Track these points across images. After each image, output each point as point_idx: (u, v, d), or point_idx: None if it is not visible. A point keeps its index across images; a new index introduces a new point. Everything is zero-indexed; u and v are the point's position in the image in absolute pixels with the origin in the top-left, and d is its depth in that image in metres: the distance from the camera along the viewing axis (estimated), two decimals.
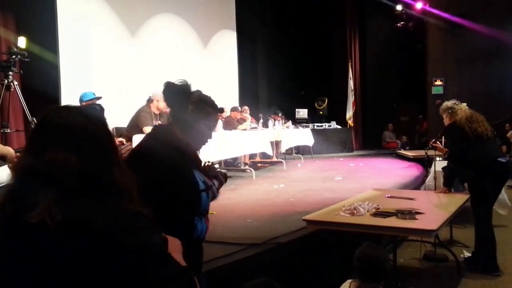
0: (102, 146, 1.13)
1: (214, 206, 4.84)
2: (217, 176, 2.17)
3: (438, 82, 11.99)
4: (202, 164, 2.12)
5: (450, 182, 4.28)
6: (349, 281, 2.45)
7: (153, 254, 1.08)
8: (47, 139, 1.09)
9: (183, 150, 1.95)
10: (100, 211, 1.05)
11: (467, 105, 4.36)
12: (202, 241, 1.99)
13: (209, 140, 2.09)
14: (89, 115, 1.15)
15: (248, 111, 9.47)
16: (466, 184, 4.49)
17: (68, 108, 1.15)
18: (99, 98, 5.68)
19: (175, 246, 1.21)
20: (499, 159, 4.08)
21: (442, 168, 4.69)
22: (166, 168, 1.84)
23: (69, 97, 6.38)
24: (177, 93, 2.03)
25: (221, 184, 2.18)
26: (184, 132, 2.00)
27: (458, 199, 3.78)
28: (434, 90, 12.05)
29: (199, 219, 1.94)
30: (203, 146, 2.09)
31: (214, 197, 2.09)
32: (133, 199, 1.13)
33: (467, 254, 4.36)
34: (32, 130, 1.14)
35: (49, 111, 1.13)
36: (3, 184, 3.15)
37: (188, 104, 2.01)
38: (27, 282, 1.03)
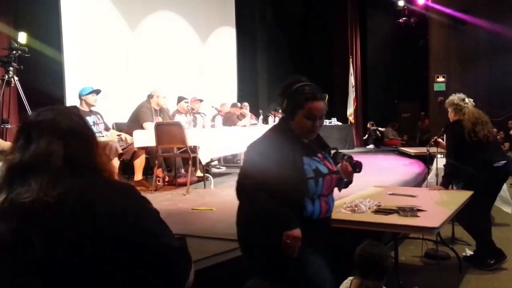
0: (82, 137, 1.27)
1: (214, 203, 4.87)
2: (349, 164, 2.31)
3: (441, 79, 11.93)
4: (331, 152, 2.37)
5: (448, 182, 4.23)
6: (350, 278, 2.43)
7: (156, 217, 1.24)
8: (30, 136, 1.21)
9: (292, 140, 2.19)
10: (90, 184, 1.18)
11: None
12: (323, 221, 2.24)
13: (314, 129, 2.22)
14: (64, 109, 1.33)
15: (248, 107, 9.44)
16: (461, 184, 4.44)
17: (47, 108, 1.29)
18: (98, 91, 5.65)
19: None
20: (496, 164, 4.04)
21: (443, 165, 4.65)
22: (272, 155, 2.12)
23: (71, 92, 6.35)
24: (280, 89, 2.26)
25: (348, 171, 2.30)
26: (291, 124, 2.22)
27: (461, 196, 3.74)
28: (437, 87, 11.98)
29: (311, 202, 2.16)
30: (308, 135, 2.25)
31: (348, 182, 2.34)
32: (115, 174, 1.32)
33: (469, 252, 4.33)
34: (16, 131, 1.28)
35: (30, 115, 1.28)
36: None
37: (284, 98, 2.22)
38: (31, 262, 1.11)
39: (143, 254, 1.16)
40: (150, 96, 6.38)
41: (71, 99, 6.23)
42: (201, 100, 7.65)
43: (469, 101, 4.25)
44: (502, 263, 4.05)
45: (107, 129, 5.86)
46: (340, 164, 2.31)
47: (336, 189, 2.36)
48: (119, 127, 6.41)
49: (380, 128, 14.47)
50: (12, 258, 1.12)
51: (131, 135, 5.76)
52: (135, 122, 6.12)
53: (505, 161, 4.10)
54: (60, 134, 1.21)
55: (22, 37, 5.41)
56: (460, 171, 4.12)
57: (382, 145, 13.78)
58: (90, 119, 5.51)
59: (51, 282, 1.11)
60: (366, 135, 14.21)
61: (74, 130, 1.25)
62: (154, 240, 1.18)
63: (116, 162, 5.33)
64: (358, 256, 2.41)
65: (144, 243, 1.16)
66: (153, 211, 1.25)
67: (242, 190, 2.18)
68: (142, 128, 5.97)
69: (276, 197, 2.08)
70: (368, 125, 14.32)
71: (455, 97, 4.31)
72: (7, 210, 1.13)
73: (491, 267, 4.01)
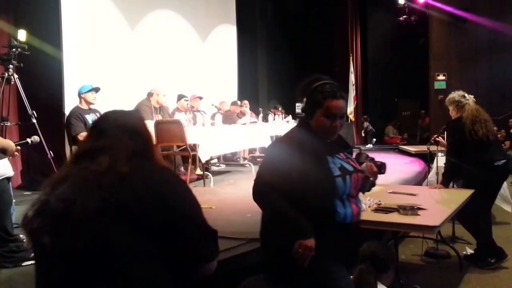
0: (145, 135, 1.52)
1: (213, 201, 4.86)
2: (372, 164, 2.24)
3: (441, 77, 11.89)
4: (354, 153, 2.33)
5: (448, 180, 4.21)
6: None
7: (197, 202, 1.44)
8: (101, 131, 1.46)
9: (313, 139, 2.12)
10: (150, 166, 1.43)
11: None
12: (355, 225, 2.11)
13: (334, 129, 2.14)
14: (130, 112, 1.65)
15: (248, 105, 9.42)
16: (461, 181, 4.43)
17: (117, 110, 1.58)
18: (97, 89, 5.64)
19: None
20: (496, 163, 4.03)
21: (444, 164, 4.64)
22: (293, 154, 2.05)
23: (70, 90, 6.34)
24: (300, 88, 2.23)
25: (374, 172, 2.23)
26: (311, 124, 2.16)
27: (461, 195, 3.73)
28: (437, 85, 11.95)
29: (341, 204, 2.05)
30: (328, 135, 2.17)
31: (371, 185, 2.26)
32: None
33: (469, 251, 4.32)
34: (91, 126, 1.56)
35: (103, 113, 1.57)
36: (3, 177, 3.11)
37: (303, 97, 2.18)
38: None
39: (184, 226, 1.36)
40: (150, 94, 6.37)
41: (69, 97, 6.21)
42: (200, 98, 7.64)
43: (469, 98, 4.24)
44: (503, 262, 4.04)
45: None
46: (364, 164, 2.24)
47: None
48: None
49: (370, 126, 14.50)
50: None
51: None
52: None
53: (505, 160, 4.09)
54: (125, 130, 1.45)
55: (22, 35, 5.39)
56: (460, 169, 4.10)
57: (381, 143, 13.77)
58: (89, 117, 5.47)
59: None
60: (363, 132, 14.23)
61: (137, 129, 1.50)
62: (194, 216, 1.41)
63: None
64: (362, 256, 2.42)
65: (186, 216, 1.38)
66: (193, 194, 1.46)
67: (256, 191, 2.11)
68: None
69: (302, 201, 1.99)
70: (362, 120, 14.34)
71: (455, 95, 4.29)
72: (75, 174, 1.36)
73: (491, 266, 4.00)
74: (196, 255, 1.42)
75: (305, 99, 2.17)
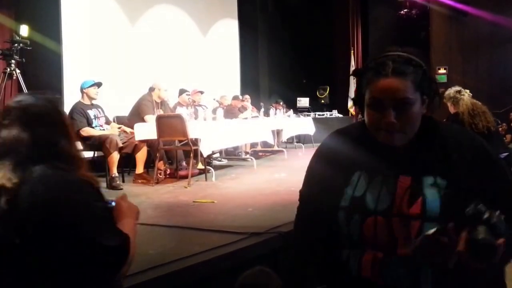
0: (52, 123, 1.30)
1: (215, 195, 4.89)
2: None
3: (442, 70, 11.88)
4: None
5: None
6: None
7: (95, 214, 1.25)
8: (2, 123, 1.27)
9: (356, 142, 1.38)
10: (51, 173, 1.23)
11: (470, 93, 4.31)
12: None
13: (386, 125, 1.25)
14: (39, 97, 1.35)
15: (249, 100, 9.43)
16: None
17: (22, 95, 1.40)
18: (99, 84, 5.69)
19: (130, 210, 1.43)
20: (500, 155, 4.05)
21: None
22: (316, 162, 1.48)
23: (71, 85, 6.36)
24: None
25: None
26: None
27: None
28: (438, 79, 11.92)
29: (353, 251, 1.34)
30: (385, 136, 1.28)
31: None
32: (82, 167, 1.33)
33: None
34: None
35: (8, 101, 1.37)
36: None
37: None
38: None
39: (78, 248, 1.21)
40: (151, 89, 6.38)
41: (69, 91, 6.25)
42: (201, 92, 7.65)
43: (465, 92, 4.27)
44: None
45: (108, 122, 5.87)
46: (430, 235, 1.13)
47: None
48: (120, 120, 6.41)
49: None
50: None
51: (132, 128, 5.78)
52: (136, 115, 6.13)
53: (507, 153, 4.11)
54: (28, 120, 1.26)
55: (24, 30, 5.41)
56: None
57: None
58: (91, 112, 5.55)
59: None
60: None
61: (43, 116, 1.29)
62: (89, 238, 1.22)
63: (116, 156, 5.35)
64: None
65: (80, 238, 1.21)
66: (99, 208, 1.29)
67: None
68: (143, 121, 5.98)
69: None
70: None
71: (451, 91, 4.34)
72: None
73: None
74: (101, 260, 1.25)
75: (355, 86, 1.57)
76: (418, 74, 1.29)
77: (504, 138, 8.66)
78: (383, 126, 1.25)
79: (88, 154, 5.54)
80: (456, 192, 1.22)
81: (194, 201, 4.58)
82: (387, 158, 1.30)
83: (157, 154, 5.83)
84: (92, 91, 5.61)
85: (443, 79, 11.83)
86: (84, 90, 5.61)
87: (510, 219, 1.10)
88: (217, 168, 6.57)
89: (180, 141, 5.91)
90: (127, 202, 1.46)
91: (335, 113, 12.71)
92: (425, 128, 1.30)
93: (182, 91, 7.19)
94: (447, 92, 4.36)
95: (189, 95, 7.18)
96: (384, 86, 1.25)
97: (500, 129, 8.04)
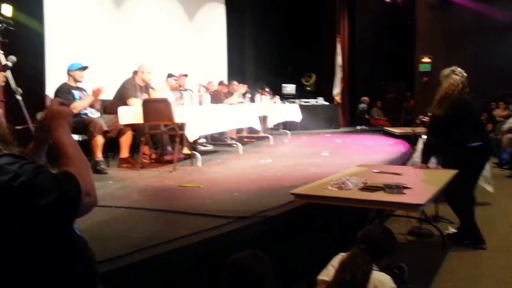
0: None
1: (201, 180, 4.87)
2: None
3: (426, 59, 11.96)
4: None
5: (426, 158, 4.31)
6: (342, 254, 2.45)
7: (27, 172, 1.21)
8: None
9: None
10: None
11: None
12: None
13: None
14: None
15: (237, 86, 9.38)
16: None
17: None
18: (85, 67, 5.73)
19: (61, 115, 1.45)
20: (470, 144, 4.06)
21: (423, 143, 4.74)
22: None
23: (53, 67, 6.26)
24: None
25: None
26: None
27: (445, 175, 3.79)
28: (422, 67, 12.02)
29: None
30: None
31: None
32: (8, 143, 1.33)
33: (452, 230, 4.41)
34: None
35: None
36: None
37: None
38: None
39: (22, 215, 1.20)
40: (135, 72, 6.33)
41: (51, 72, 6.18)
42: (185, 75, 7.57)
43: (459, 72, 4.32)
44: (477, 248, 4.09)
45: (92, 105, 5.81)
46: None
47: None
48: (104, 104, 6.34)
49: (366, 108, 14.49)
50: None
51: (116, 112, 5.74)
52: (120, 99, 6.07)
53: (479, 143, 4.10)
54: None
55: (7, 10, 5.28)
56: (436, 147, 4.22)
57: (367, 125, 13.81)
58: (76, 94, 5.62)
59: None
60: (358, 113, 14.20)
61: None
62: (29, 203, 1.20)
63: (101, 139, 5.30)
64: (361, 240, 2.45)
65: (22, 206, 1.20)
66: (28, 172, 1.24)
67: None
68: (126, 105, 5.92)
69: None
70: (360, 101, 14.27)
71: (447, 70, 4.41)
72: None
73: (465, 246, 4.10)
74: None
75: None
76: None
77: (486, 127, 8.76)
78: None
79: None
80: None
81: (180, 185, 4.57)
82: None
83: (143, 139, 5.78)
84: (78, 74, 5.64)
85: (427, 68, 11.92)
86: (70, 73, 5.65)
87: None
88: (202, 153, 6.55)
89: (165, 126, 5.87)
90: (57, 106, 1.46)
91: (320, 100, 12.73)
92: None
93: (169, 76, 7.12)
94: (442, 71, 4.45)
95: (176, 80, 7.11)
96: None
97: (482, 118, 8.13)
